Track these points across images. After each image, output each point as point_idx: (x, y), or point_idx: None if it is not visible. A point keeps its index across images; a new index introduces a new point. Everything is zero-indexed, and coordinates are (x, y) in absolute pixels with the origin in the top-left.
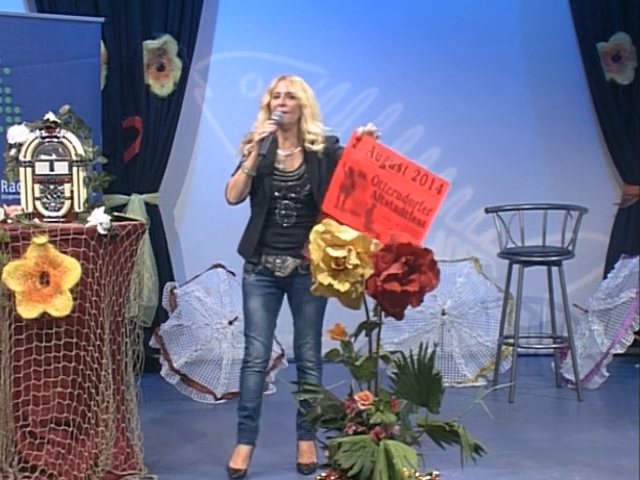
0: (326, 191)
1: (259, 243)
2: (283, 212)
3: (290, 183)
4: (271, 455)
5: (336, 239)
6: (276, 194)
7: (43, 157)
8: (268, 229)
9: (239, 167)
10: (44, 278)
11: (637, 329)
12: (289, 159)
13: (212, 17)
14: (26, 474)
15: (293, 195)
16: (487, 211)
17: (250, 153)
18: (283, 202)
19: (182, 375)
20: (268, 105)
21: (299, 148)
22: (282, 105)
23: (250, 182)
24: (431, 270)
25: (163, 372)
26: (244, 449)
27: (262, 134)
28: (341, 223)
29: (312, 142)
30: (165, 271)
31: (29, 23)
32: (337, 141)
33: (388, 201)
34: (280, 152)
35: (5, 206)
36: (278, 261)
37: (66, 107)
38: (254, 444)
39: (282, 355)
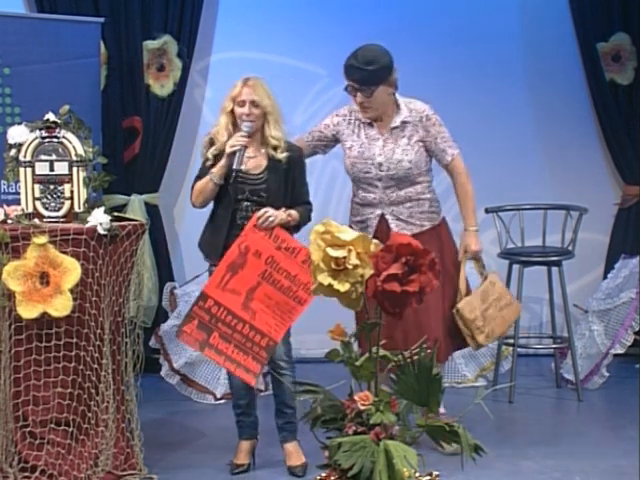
0: (280, 199)
1: (223, 246)
2: (243, 214)
3: (252, 187)
4: (271, 455)
5: (336, 239)
6: (239, 197)
7: (43, 157)
8: (230, 231)
9: (202, 170)
10: (44, 278)
11: (637, 329)
12: (252, 161)
13: (212, 17)
14: (26, 474)
15: (255, 198)
16: (487, 211)
17: (215, 158)
18: (244, 204)
19: (182, 375)
20: (231, 111)
21: (262, 152)
22: (248, 115)
23: (217, 189)
24: (431, 270)
25: (163, 372)
26: (245, 444)
27: (233, 147)
28: (221, 303)
29: (275, 148)
30: (165, 271)
31: (29, 23)
32: (302, 152)
33: (276, 280)
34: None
35: (5, 206)
36: None
37: (66, 107)
38: (255, 438)
39: None
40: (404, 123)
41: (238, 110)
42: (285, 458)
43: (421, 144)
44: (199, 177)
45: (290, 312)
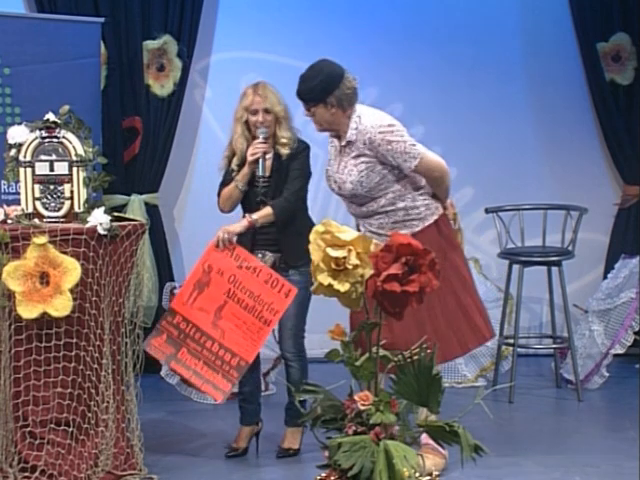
0: (280, 194)
1: (250, 250)
2: None
3: (263, 189)
4: (271, 454)
5: (336, 239)
6: (258, 199)
7: (43, 157)
8: (255, 235)
9: (226, 177)
10: (44, 278)
11: (637, 329)
12: (266, 163)
13: (212, 17)
14: (26, 474)
15: (265, 200)
16: (487, 211)
17: (238, 165)
18: (261, 206)
19: None
20: (245, 121)
21: (271, 154)
22: (262, 122)
23: (242, 195)
24: (431, 270)
25: (163, 372)
26: (245, 430)
27: (255, 155)
28: (189, 320)
29: (284, 145)
30: (165, 271)
31: (29, 23)
32: (305, 148)
33: (240, 299)
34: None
35: (5, 206)
36: (259, 255)
37: (66, 107)
38: (255, 424)
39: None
40: (349, 142)
41: (252, 118)
42: (280, 439)
43: (371, 163)
44: (223, 183)
45: (258, 333)
